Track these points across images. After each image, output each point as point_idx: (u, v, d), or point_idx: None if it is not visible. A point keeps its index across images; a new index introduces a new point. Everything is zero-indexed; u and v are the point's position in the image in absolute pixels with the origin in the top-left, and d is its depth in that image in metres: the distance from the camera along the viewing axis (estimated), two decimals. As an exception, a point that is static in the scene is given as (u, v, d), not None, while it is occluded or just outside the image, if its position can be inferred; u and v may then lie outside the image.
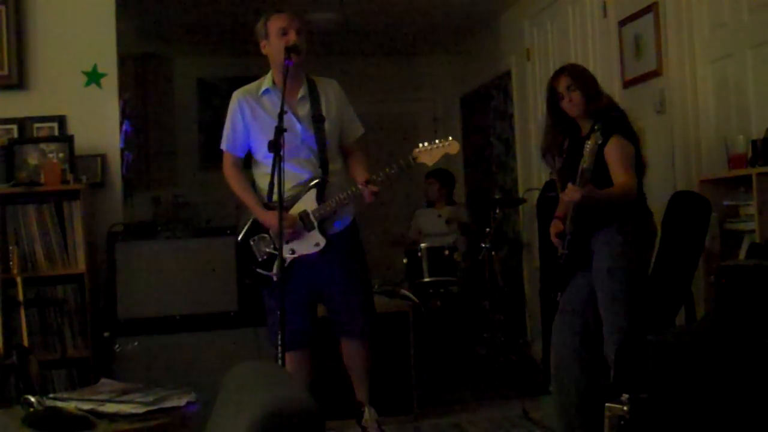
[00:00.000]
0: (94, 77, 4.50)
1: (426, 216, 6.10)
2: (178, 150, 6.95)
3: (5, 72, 4.39)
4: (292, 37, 3.40)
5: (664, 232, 3.72)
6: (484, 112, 7.05)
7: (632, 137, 3.31)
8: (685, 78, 4.04)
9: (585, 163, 3.08)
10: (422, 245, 5.55)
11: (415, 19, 6.49)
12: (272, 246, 3.51)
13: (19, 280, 3.88)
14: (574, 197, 3.12)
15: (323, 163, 3.51)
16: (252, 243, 3.58)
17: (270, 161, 3.22)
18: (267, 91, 3.51)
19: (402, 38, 7.13)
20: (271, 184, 3.12)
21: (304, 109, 3.50)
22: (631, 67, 4.41)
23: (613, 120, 3.27)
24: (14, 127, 4.40)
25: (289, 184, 3.36)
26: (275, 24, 3.46)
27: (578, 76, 3.34)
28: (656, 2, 4.14)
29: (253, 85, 3.57)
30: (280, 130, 3.15)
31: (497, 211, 5.60)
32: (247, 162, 3.72)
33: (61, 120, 4.44)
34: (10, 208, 4.12)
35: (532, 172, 5.91)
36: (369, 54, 7.61)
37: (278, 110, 3.21)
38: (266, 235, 3.54)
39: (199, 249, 4.23)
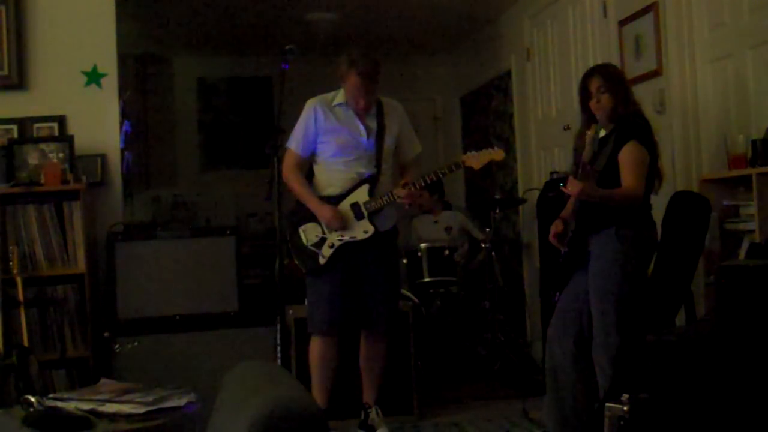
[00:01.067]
0: (94, 77, 4.50)
1: (423, 223, 6.09)
2: (178, 150, 6.96)
3: (5, 72, 4.39)
4: (360, 104, 3.75)
5: (664, 232, 3.72)
6: (484, 112, 7.05)
7: (650, 146, 3.29)
8: (685, 78, 4.04)
9: (586, 156, 3.08)
10: (422, 245, 5.55)
11: (414, 19, 6.49)
12: (322, 231, 3.80)
13: (19, 280, 3.88)
14: (573, 191, 3.14)
15: (378, 164, 3.83)
16: (301, 230, 3.84)
17: (333, 162, 3.78)
18: (341, 104, 3.82)
19: (402, 38, 7.13)
20: (271, 182, 3.36)
21: (373, 124, 3.84)
22: (631, 67, 4.40)
23: (634, 125, 3.26)
24: (14, 127, 4.40)
25: (345, 175, 3.78)
26: (351, 84, 3.72)
27: (611, 79, 3.33)
28: (656, 2, 4.14)
29: (327, 96, 3.87)
30: (277, 131, 3.43)
31: (497, 211, 5.60)
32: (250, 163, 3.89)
33: (61, 120, 4.44)
34: (10, 208, 4.12)
35: (532, 172, 5.91)
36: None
37: (349, 121, 3.76)
38: (317, 224, 3.81)
39: (199, 249, 4.23)
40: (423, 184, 3.71)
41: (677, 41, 4.05)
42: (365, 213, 3.76)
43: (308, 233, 3.82)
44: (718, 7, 3.85)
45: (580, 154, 3.36)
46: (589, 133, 3.08)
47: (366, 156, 3.80)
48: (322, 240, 3.79)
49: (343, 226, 3.75)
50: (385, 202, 3.76)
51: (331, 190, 3.81)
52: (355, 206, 3.77)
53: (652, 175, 3.32)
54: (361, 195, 3.78)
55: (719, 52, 3.87)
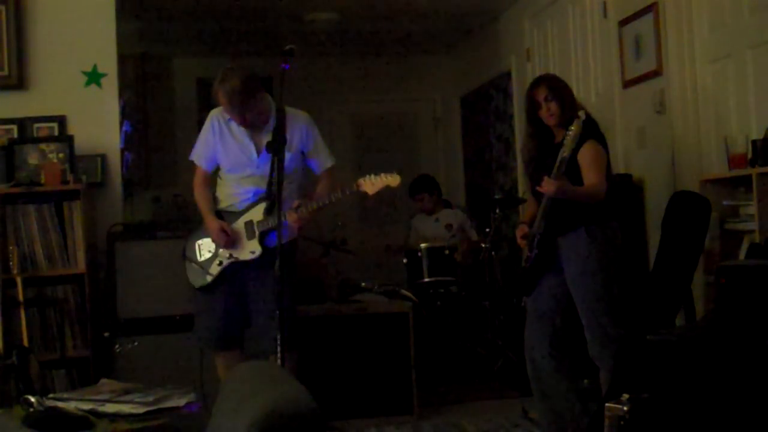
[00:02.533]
0: (94, 77, 4.50)
1: (424, 222, 6.08)
2: (178, 150, 6.94)
3: (5, 72, 4.39)
4: (238, 121, 3.64)
5: (664, 232, 3.72)
6: (484, 112, 7.05)
7: (605, 145, 3.40)
8: (685, 78, 4.04)
9: (565, 152, 3.17)
10: (422, 245, 5.54)
11: (415, 19, 6.49)
12: (215, 248, 3.71)
13: (19, 280, 3.88)
14: (550, 189, 3.18)
15: (279, 183, 3.64)
16: (198, 244, 3.78)
17: (228, 177, 3.71)
18: (231, 120, 3.69)
19: (402, 38, 7.13)
20: (270, 183, 3.33)
21: (267, 140, 3.64)
22: (631, 67, 4.41)
23: (588, 127, 3.33)
24: (14, 127, 4.40)
25: (238, 191, 3.70)
26: (222, 102, 3.63)
27: (556, 87, 3.43)
28: (656, 2, 4.14)
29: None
30: (278, 131, 3.34)
31: (497, 211, 5.60)
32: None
33: (61, 120, 4.44)
34: (10, 208, 4.11)
35: (532, 172, 5.91)
36: (369, 54, 7.60)
37: (241, 137, 3.63)
38: (209, 239, 3.74)
39: (199, 249, 4.22)
40: (315, 208, 3.61)
41: (677, 41, 4.05)
42: (256, 232, 3.65)
43: (203, 249, 3.75)
44: (718, 7, 3.85)
45: (535, 161, 3.43)
46: (573, 127, 3.14)
47: (259, 173, 3.64)
48: (213, 257, 3.71)
49: (231, 243, 3.65)
50: (274, 223, 3.62)
51: (226, 205, 3.74)
52: (248, 224, 3.67)
53: (609, 171, 3.42)
54: (257, 213, 3.66)
55: (719, 52, 3.87)
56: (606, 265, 3.30)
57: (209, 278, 3.70)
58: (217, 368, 3.77)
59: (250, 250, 3.66)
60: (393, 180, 3.63)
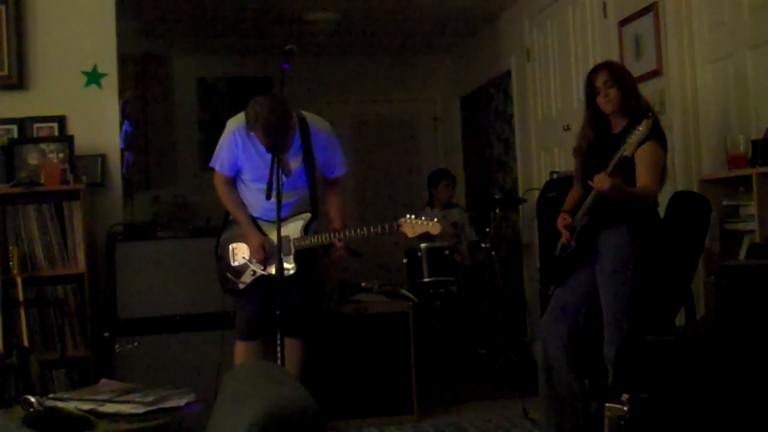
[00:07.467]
0: (94, 77, 4.50)
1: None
2: (178, 150, 6.95)
3: (5, 72, 4.39)
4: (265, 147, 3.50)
5: (664, 232, 3.71)
6: (484, 112, 7.05)
7: (665, 146, 3.31)
8: (685, 78, 4.04)
9: (627, 151, 3.06)
10: (422, 245, 5.55)
11: (415, 19, 6.49)
12: (249, 256, 3.75)
13: (19, 280, 3.88)
14: (603, 186, 3.10)
15: (313, 201, 3.75)
16: (232, 247, 3.82)
17: (254, 186, 3.65)
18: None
19: (402, 38, 7.13)
20: (270, 185, 3.25)
21: (297, 161, 3.67)
22: (631, 67, 4.38)
23: (652, 125, 3.23)
24: (14, 127, 4.40)
25: (270, 207, 3.48)
26: (255, 133, 3.49)
27: (617, 73, 3.34)
28: (656, 2, 4.15)
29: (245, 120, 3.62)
30: (277, 129, 3.37)
31: (497, 211, 5.60)
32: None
33: (61, 120, 4.44)
34: (10, 208, 4.12)
35: (532, 172, 5.91)
36: (369, 54, 7.61)
37: (267, 158, 3.38)
38: (246, 245, 3.77)
39: (199, 249, 4.22)
40: (353, 236, 3.58)
41: (677, 41, 4.05)
42: (292, 250, 3.65)
43: (237, 253, 3.80)
44: (718, 7, 3.85)
45: (590, 149, 3.35)
46: (641, 128, 3.03)
47: (287, 191, 3.51)
48: (246, 265, 3.76)
49: (266, 258, 3.68)
50: (314, 245, 3.66)
51: (255, 213, 3.77)
52: (285, 240, 3.57)
53: (664, 173, 3.35)
54: (294, 230, 3.68)
55: (719, 52, 3.87)
56: (640, 270, 3.21)
57: (242, 286, 3.77)
58: (235, 357, 3.79)
59: (285, 267, 3.55)
60: (434, 228, 3.57)
